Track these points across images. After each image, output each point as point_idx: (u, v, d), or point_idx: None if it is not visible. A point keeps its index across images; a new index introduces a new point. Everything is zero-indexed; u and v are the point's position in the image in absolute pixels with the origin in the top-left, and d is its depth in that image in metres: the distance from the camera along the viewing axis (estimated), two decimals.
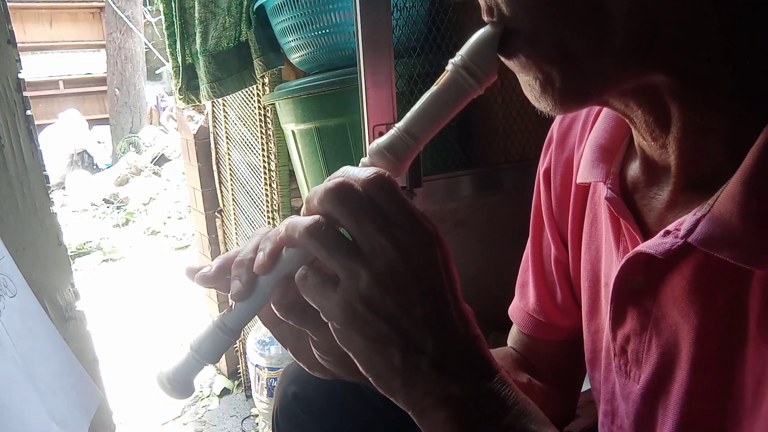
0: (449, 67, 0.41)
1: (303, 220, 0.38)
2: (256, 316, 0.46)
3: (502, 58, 0.41)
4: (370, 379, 0.39)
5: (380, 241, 0.37)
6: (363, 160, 0.42)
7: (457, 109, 0.41)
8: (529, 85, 0.42)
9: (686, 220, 0.39)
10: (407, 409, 0.39)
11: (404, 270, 0.37)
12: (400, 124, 0.41)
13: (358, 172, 0.38)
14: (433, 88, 0.41)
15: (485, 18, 0.41)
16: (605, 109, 0.53)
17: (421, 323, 0.37)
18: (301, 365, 0.49)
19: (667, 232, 0.41)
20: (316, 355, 0.46)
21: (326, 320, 0.39)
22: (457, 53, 0.41)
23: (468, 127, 1.38)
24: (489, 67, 0.40)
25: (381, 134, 0.42)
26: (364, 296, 0.37)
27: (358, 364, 0.39)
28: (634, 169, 0.49)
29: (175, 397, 0.44)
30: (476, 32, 0.41)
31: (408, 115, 0.41)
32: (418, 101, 0.41)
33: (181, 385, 0.44)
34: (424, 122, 0.41)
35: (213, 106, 2.01)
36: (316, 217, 0.38)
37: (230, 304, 0.44)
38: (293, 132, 1.42)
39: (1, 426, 0.58)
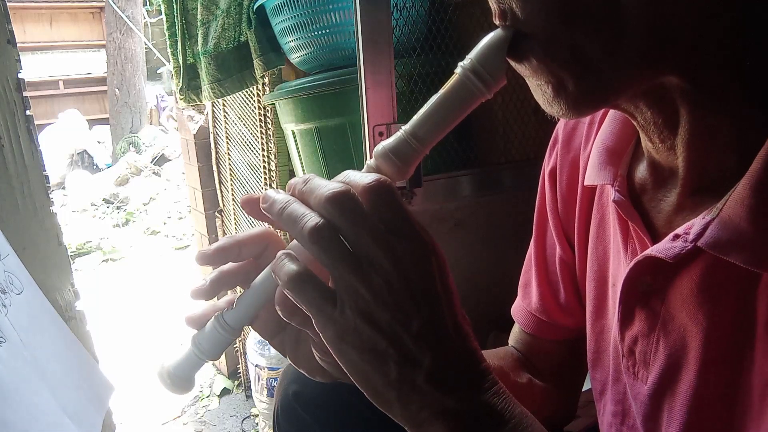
0: (458, 70, 0.40)
1: (302, 217, 0.38)
2: (254, 330, 0.47)
3: (512, 62, 0.40)
4: (365, 394, 0.39)
5: (377, 253, 0.36)
6: (368, 162, 0.42)
7: (464, 114, 0.41)
8: (540, 90, 0.41)
9: (695, 224, 0.39)
10: (404, 424, 0.39)
11: (400, 284, 0.36)
12: (406, 127, 0.41)
13: (360, 179, 0.38)
14: (441, 91, 0.41)
15: (497, 21, 0.40)
16: (611, 111, 0.53)
17: (418, 337, 0.37)
18: (302, 371, 0.49)
19: (677, 236, 0.41)
20: (317, 357, 0.46)
21: (319, 331, 0.38)
22: (467, 56, 0.40)
23: (468, 127, 1.37)
24: (498, 71, 0.39)
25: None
26: (362, 310, 0.37)
27: (352, 378, 0.39)
28: (642, 171, 0.49)
29: (175, 392, 0.44)
30: (486, 35, 0.40)
31: (415, 117, 0.41)
32: (426, 104, 0.41)
33: (181, 380, 0.44)
34: (430, 126, 0.40)
35: (213, 106, 2.01)
36: (320, 220, 0.37)
37: (233, 301, 0.44)
38: (293, 132, 1.42)
39: (12, 422, 0.58)
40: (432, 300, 0.37)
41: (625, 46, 0.36)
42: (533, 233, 0.68)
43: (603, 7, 0.36)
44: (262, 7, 1.41)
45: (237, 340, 2.08)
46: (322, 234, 0.37)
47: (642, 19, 0.35)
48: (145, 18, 7.61)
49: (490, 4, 0.41)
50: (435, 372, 0.37)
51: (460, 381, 0.38)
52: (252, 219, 1.88)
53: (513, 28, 0.39)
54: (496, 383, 0.39)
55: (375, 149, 0.41)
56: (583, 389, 0.73)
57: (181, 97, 1.74)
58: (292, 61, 1.44)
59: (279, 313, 0.42)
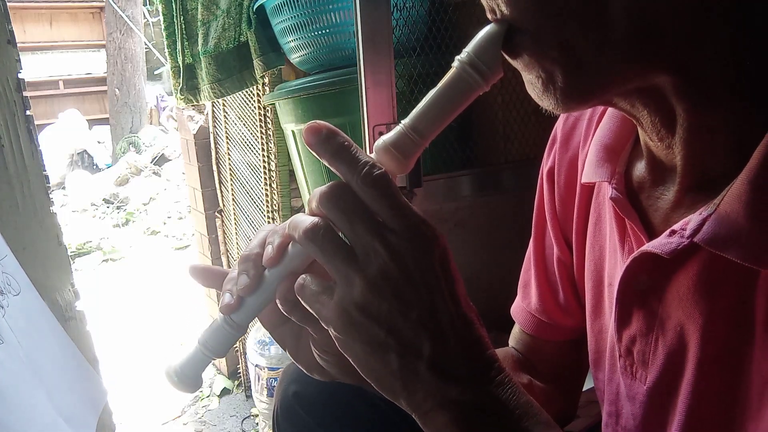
0: (455, 63, 0.40)
1: (303, 222, 0.39)
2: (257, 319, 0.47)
3: (506, 56, 0.41)
4: (372, 384, 0.39)
5: (373, 246, 0.37)
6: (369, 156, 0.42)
7: (463, 106, 0.41)
8: (531, 84, 0.41)
9: (692, 220, 0.39)
10: (411, 412, 0.39)
11: (398, 274, 0.37)
12: (406, 121, 0.41)
13: (358, 173, 0.38)
14: (439, 84, 0.41)
15: (489, 16, 0.41)
16: (610, 109, 0.53)
17: (418, 327, 0.37)
18: (301, 368, 0.49)
19: (673, 232, 0.41)
20: (316, 355, 0.46)
21: (325, 326, 0.39)
22: (464, 50, 0.40)
23: (468, 127, 1.37)
24: (494, 63, 0.39)
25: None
26: (359, 302, 0.37)
27: (358, 370, 0.39)
28: (640, 168, 0.49)
29: (182, 390, 0.45)
30: (482, 29, 0.40)
31: (414, 111, 0.41)
32: (424, 98, 0.41)
33: (188, 378, 0.44)
34: (430, 119, 0.40)
35: (213, 106, 2.01)
36: (316, 220, 0.38)
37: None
38: (293, 132, 1.42)
39: (7, 423, 0.58)
40: (431, 288, 0.37)
41: (611, 42, 0.36)
42: (532, 233, 0.68)
43: (589, 2, 0.36)
44: (262, 7, 1.41)
45: (242, 336, 2.08)
46: (316, 231, 0.38)
47: (626, 12, 0.35)
48: (145, 18, 7.61)
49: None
50: (437, 361, 0.37)
51: (463, 371, 0.38)
52: (252, 219, 1.88)
53: (506, 23, 0.39)
54: (502, 371, 0.39)
55: (375, 144, 0.41)
56: (584, 389, 0.73)
57: (181, 97, 1.75)
58: (292, 61, 1.44)
59: (280, 307, 0.42)
